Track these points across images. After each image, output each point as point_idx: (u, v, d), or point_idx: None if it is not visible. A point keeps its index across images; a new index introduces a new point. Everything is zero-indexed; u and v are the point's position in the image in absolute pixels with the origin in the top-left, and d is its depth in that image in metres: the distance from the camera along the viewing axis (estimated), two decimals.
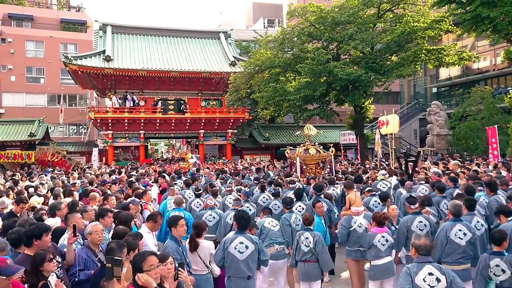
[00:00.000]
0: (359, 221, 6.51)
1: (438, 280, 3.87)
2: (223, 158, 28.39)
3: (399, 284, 4.01)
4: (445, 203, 7.34)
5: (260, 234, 6.18)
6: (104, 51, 26.93)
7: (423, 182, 9.28)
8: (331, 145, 15.10)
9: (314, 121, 32.31)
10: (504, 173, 10.80)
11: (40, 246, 4.08)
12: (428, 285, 3.86)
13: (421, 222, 6.01)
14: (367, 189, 8.81)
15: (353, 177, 10.27)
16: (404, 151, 19.02)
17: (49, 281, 3.63)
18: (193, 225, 5.50)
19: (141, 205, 7.42)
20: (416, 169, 11.42)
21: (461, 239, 5.38)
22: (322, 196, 8.12)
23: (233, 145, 30.87)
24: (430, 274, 3.90)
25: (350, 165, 17.61)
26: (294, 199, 7.53)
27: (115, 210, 6.13)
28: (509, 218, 5.42)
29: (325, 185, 9.38)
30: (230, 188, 9.19)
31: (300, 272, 5.92)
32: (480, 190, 7.86)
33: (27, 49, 35.18)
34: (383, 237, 5.76)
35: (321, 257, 5.76)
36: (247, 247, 5.02)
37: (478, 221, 6.01)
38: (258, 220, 6.87)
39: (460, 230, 5.41)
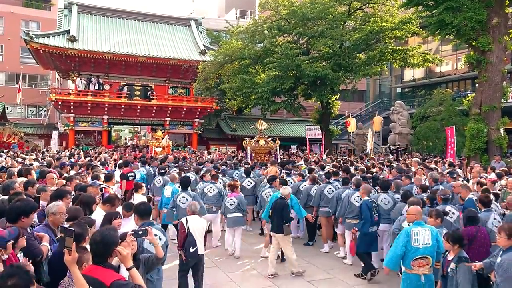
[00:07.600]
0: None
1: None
2: (189, 147, 28.12)
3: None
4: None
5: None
6: (68, 31, 25.95)
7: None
8: (278, 138, 17.89)
9: (281, 114, 32.51)
10: (459, 171, 11.31)
11: (27, 223, 3.92)
12: (491, 223, 5.82)
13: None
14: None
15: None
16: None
17: (18, 257, 3.53)
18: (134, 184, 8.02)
19: (101, 189, 7.23)
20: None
21: (358, 202, 7.63)
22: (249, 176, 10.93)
23: (200, 135, 30.64)
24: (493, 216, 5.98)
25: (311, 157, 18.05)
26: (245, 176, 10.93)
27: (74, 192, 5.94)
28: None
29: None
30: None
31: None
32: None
33: None
34: (231, 199, 8.16)
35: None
36: (187, 199, 7.57)
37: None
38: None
39: (358, 196, 7.72)
